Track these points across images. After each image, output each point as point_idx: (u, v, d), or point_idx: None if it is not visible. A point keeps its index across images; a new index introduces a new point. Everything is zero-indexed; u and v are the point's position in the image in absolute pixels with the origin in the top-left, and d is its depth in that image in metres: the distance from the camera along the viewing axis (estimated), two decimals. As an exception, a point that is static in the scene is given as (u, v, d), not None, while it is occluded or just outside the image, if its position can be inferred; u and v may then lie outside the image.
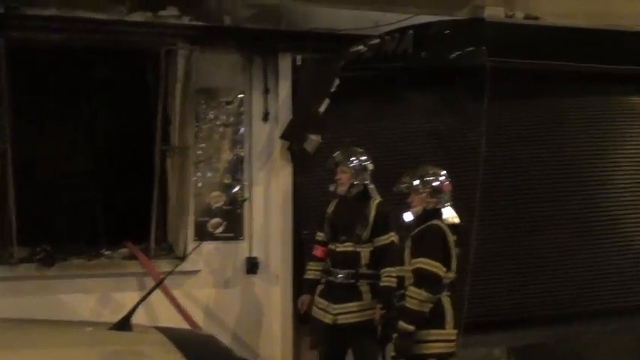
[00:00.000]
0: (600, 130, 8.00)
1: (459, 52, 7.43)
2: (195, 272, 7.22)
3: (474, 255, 7.05)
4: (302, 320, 7.15)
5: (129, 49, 7.35)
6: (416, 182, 5.86)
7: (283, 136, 7.39)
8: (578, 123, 7.96)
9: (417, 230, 5.82)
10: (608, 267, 7.89)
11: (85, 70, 7.95)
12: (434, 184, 5.84)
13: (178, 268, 6.74)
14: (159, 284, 6.07)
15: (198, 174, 7.29)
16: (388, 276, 6.21)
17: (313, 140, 7.24)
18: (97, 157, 8.39)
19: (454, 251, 5.75)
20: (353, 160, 6.51)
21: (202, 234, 7.22)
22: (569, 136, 7.92)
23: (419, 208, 5.85)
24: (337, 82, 7.31)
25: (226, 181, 7.36)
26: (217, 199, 7.32)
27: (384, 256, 6.32)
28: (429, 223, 5.78)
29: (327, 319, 6.45)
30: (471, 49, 7.41)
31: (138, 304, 4.93)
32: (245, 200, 7.33)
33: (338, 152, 6.61)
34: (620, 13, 8.09)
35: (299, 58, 7.48)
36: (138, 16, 7.10)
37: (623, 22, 8.01)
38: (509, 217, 7.62)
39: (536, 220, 7.69)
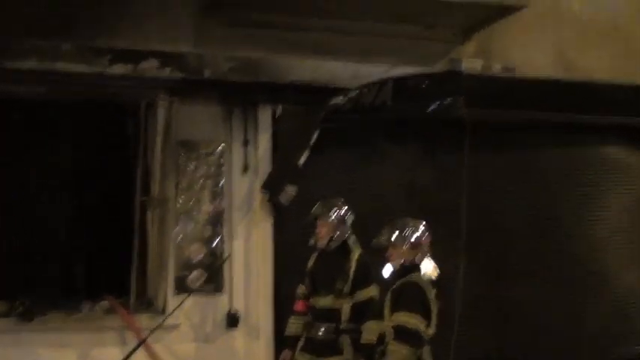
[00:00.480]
0: (578, 180, 8.06)
1: (437, 104, 7.47)
2: (175, 326, 7.16)
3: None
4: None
5: (109, 101, 7.38)
6: (394, 236, 5.86)
7: (263, 188, 7.41)
8: (557, 174, 8.02)
9: (396, 285, 5.81)
10: (589, 321, 7.92)
11: (66, 121, 7.96)
12: (412, 237, 5.84)
13: (157, 322, 6.70)
14: (141, 344, 6.04)
15: (178, 226, 7.30)
16: (369, 331, 6.21)
17: (289, 192, 7.27)
18: (76, 209, 8.35)
19: (434, 306, 5.74)
20: (332, 213, 6.51)
21: (182, 288, 7.20)
22: (548, 188, 7.98)
23: (398, 262, 5.84)
24: (317, 133, 7.36)
25: (206, 234, 7.36)
26: (197, 252, 7.30)
27: (365, 311, 6.31)
28: (409, 277, 5.76)
29: (309, 374, 6.41)
30: (449, 101, 7.47)
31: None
32: (225, 260, 7.33)
33: (317, 205, 6.60)
34: (593, 67, 8.25)
35: (279, 109, 7.55)
36: (118, 69, 7.13)
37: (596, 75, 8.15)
38: (491, 271, 7.64)
39: (517, 273, 7.71)
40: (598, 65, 8.35)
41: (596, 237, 8.07)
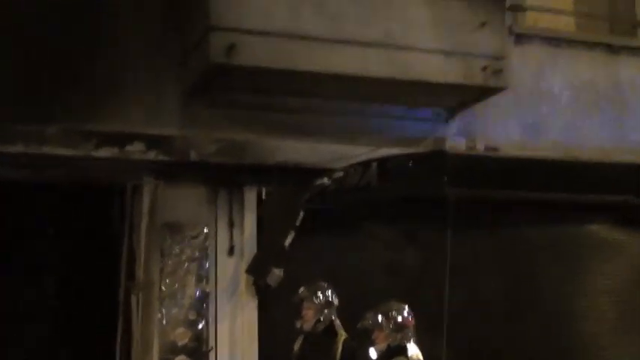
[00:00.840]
0: (562, 258, 8.07)
1: (421, 184, 7.54)
2: (160, 412, 7.08)
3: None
4: None
5: (95, 183, 7.40)
6: (379, 318, 5.84)
7: (248, 271, 7.39)
8: (541, 252, 8.04)
9: (382, 367, 5.77)
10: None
11: (51, 203, 7.97)
12: (397, 320, 5.82)
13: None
14: None
15: (163, 310, 7.23)
16: (356, 414, 6.12)
17: (276, 274, 7.25)
18: (60, 292, 8.29)
19: (420, 388, 5.70)
20: (318, 296, 6.49)
21: (167, 373, 7.12)
22: (531, 265, 7.98)
23: (383, 345, 5.81)
24: (302, 214, 7.38)
25: (191, 317, 7.29)
26: (182, 336, 7.23)
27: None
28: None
29: None
30: (433, 180, 7.53)
31: None
32: (210, 350, 7.25)
33: (303, 288, 6.58)
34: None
35: (264, 191, 7.59)
36: (104, 152, 7.15)
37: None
38: (474, 351, 7.58)
39: (499, 353, 7.65)
40: (582, 143, 8.46)
41: (579, 314, 8.05)
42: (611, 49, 9.07)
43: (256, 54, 6.92)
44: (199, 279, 7.35)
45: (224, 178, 7.49)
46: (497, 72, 7.66)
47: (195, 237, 7.41)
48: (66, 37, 7.18)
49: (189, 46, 7.27)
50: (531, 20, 9.04)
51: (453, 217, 7.33)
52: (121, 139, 7.17)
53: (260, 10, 6.99)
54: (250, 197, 7.55)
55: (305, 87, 7.42)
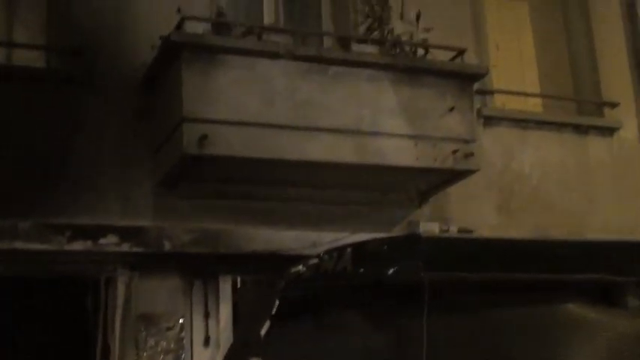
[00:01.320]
0: (540, 340, 8.01)
1: (396, 268, 7.50)
2: None
3: None
4: None
5: (69, 277, 7.35)
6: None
7: (225, 361, 7.32)
8: (519, 333, 7.97)
9: None
10: None
11: (24, 297, 7.88)
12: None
13: None
14: None
15: (138, 405, 7.14)
16: None
17: (252, 364, 7.18)
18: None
19: None
20: (295, 385, 6.42)
21: None
22: (509, 347, 7.92)
23: None
24: (278, 302, 7.33)
25: (167, 413, 7.21)
26: None
27: None
28: None
29: None
30: (407, 264, 7.51)
31: None
32: None
33: (280, 377, 6.53)
34: (547, 226, 8.43)
35: (239, 280, 7.57)
36: (78, 245, 7.15)
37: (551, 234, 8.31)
38: None
39: None
40: (553, 223, 8.55)
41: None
42: (579, 130, 9.27)
43: (229, 144, 7.01)
44: (175, 371, 7.28)
45: (199, 268, 7.48)
46: (468, 155, 7.79)
47: (171, 328, 7.33)
48: (37, 131, 7.25)
49: (162, 137, 7.34)
50: (499, 102, 9.24)
51: (429, 300, 7.30)
52: (94, 232, 7.18)
53: (232, 101, 7.10)
54: (225, 287, 7.52)
55: (278, 175, 7.49)
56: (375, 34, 8.05)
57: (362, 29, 8.28)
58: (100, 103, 7.49)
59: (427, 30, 8.02)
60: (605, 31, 9.75)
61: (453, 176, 7.95)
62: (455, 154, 7.69)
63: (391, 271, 7.53)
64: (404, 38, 7.98)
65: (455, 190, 8.22)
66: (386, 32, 8.05)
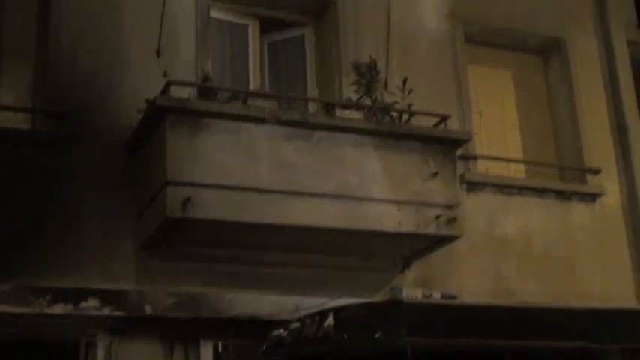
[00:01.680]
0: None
1: (379, 334, 7.48)
2: None
3: None
4: None
5: (49, 340, 7.27)
6: None
7: None
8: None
9: None
10: None
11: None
12: None
13: None
14: None
15: None
16: None
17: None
18: None
19: None
20: None
21: None
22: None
23: None
24: (259, 367, 7.27)
25: None
26: None
27: None
28: None
29: None
30: (390, 330, 7.48)
31: None
32: None
33: None
34: (532, 292, 8.44)
35: (220, 344, 7.51)
36: (58, 308, 7.09)
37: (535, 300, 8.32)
38: None
39: None
40: (536, 289, 8.56)
41: None
42: (562, 196, 9.33)
43: (212, 207, 7.01)
44: None
45: (180, 333, 7.41)
46: (451, 221, 7.81)
47: (149, 397, 7.25)
48: (20, 192, 7.25)
49: (146, 200, 7.34)
50: (483, 168, 9.31)
51: (412, 366, 7.25)
52: (75, 296, 7.13)
53: (216, 165, 7.13)
54: (206, 351, 7.45)
55: (261, 239, 7.48)
56: (363, 98, 8.11)
57: (349, 92, 8.34)
58: (84, 165, 7.51)
59: (409, 92, 8.09)
60: (587, 97, 9.88)
61: (436, 241, 7.96)
62: (438, 220, 7.71)
63: (374, 336, 7.54)
64: (390, 103, 8.06)
65: (438, 256, 8.22)
66: (374, 97, 8.12)
